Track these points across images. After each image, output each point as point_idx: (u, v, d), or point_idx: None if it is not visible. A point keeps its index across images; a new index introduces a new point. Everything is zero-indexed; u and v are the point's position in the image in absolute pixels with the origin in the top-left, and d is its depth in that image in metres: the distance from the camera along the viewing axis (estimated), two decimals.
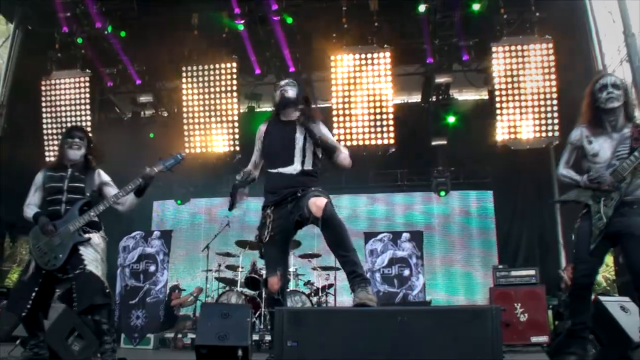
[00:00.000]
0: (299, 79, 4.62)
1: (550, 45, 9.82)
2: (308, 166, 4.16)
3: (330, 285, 9.81)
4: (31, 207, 4.78)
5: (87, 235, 4.53)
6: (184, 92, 10.98)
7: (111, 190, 4.77)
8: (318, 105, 4.58)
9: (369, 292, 3.61)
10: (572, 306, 4.27)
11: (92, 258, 4.49)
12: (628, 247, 4.00)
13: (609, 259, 10.38)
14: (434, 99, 11.40)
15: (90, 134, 4.98)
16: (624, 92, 4.16)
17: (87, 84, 11.25)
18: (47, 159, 11.20)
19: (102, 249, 4.65)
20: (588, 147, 4.21)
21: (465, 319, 3.19)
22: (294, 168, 4.11)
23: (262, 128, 4.41)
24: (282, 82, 4.38)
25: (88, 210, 4.58)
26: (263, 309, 8.75)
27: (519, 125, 9.89)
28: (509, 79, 9.93)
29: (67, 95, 11.26)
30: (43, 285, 4.55)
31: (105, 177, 4.85)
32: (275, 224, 4.04)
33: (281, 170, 4.12)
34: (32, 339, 4.59)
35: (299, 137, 4.17)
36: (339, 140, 10.16)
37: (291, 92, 4.29)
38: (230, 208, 4.25)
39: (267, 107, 12.69)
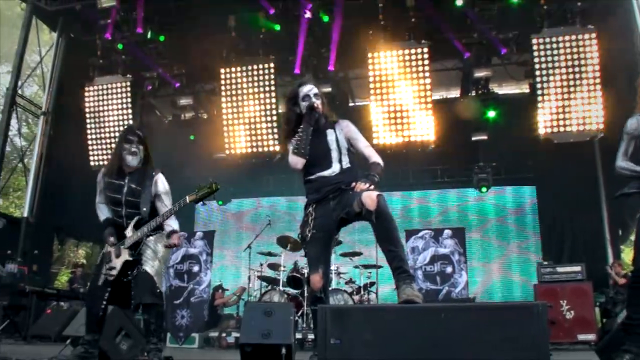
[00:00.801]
0: (312, 81, 4.48)
1: (594, 35, 9.55)
2: (346, 164, 4.16)
3: (372, 284, 9.78)
4: (101, 208, 4.92)
5: (139, 255, 4.62)
6: (223, 93, 11.05)
7: (159, 206, 4.77)
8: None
9: (414, 289, 3.57)
10: (630, 299, 4.05)
11: (149, 257, 4.59)
12: None
13: None
14: (473, 93, 11.28)
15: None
16: None
17: (129, 89, 11.46)
18: (92, 163, 11.48)
19: (162, 248, 4.74)
20: None
21: (511, 316, 3.12)
22: (333, 170, 4.12)
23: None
24: (306, 89, 4.31)
25: (141, 227, 4.65)
26: (305, 308, 8.78)
27: (561, 118, 9.66)
28: (551, 71, 9.69)
29: (110, 100, 11.51)
30: (115, 285, 4.68)
31: (161, 188, 4.82)
32: (317, 222, 4.02)
33: (320, 174, 4.13)
34: (88, 335, 4.68)
35: (332, 140, 4.21)
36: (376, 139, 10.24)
37: (317, 101, 4.26)
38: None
39: None
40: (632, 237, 4.41)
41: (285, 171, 12.05)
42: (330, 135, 4.23)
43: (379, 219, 3.73)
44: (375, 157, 4.22)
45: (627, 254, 12.30)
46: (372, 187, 3.86)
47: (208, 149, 11.49)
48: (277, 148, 10.82)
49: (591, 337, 7.90)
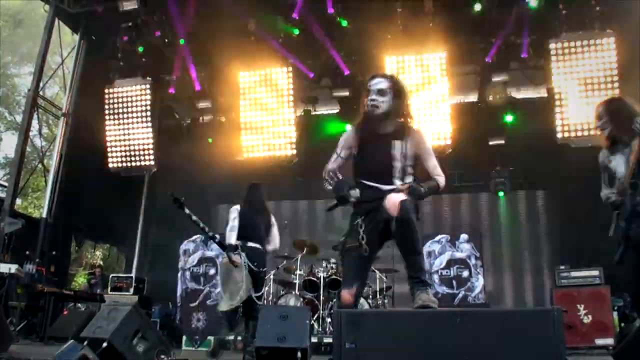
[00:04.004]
0: (387, 76, 4.01)
1: (612, 39, 9.50)
2: (408, 180, 3.83)
3: (388, 288, 9.77)
4: None
5: None
6: (241, 97, 11.11)
7: None
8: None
9: (429, 294, 3.53)
10: None
11: None
12: None
13: None
14: (490, 98, 11.26)
15: None
16: None
17: (148, 91, 11.53)
18: (110, 165, 11.56)
19: None
20: None
21: (526, 321, 3.16)
22: (393, 188, 3.76)
23: (353, 137, 3.99)
24: (372, 83, 3.86)
25: None
26: (321, 311, 8.79)
27: (579, 122, 9.62)
28: (569, 76, 9.66)
29: (129, 103, 11.58)
30: None
31: None
32: (365, 235, 3.72)
33: (377, 185, 3.79)
34: None
35: (397, 155, 3.81)
36: None
37: (384, 106, 3.82)
38: (329, 209, 3.91)
39: (323, 110, 12.73)
40: None
41: (303, 175, 12.14)
42: (396, 148, 3.81)
43: (400, 226, 3.50)
44: (439, 178, 3.93)
45: None
46: (404, 193, 3.61)
47: (226, 152, 11.52)
48: (295, 152, 10.85)
49: (609, 341, 7.85)
